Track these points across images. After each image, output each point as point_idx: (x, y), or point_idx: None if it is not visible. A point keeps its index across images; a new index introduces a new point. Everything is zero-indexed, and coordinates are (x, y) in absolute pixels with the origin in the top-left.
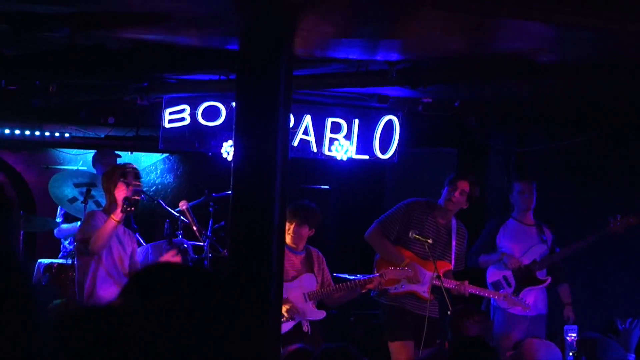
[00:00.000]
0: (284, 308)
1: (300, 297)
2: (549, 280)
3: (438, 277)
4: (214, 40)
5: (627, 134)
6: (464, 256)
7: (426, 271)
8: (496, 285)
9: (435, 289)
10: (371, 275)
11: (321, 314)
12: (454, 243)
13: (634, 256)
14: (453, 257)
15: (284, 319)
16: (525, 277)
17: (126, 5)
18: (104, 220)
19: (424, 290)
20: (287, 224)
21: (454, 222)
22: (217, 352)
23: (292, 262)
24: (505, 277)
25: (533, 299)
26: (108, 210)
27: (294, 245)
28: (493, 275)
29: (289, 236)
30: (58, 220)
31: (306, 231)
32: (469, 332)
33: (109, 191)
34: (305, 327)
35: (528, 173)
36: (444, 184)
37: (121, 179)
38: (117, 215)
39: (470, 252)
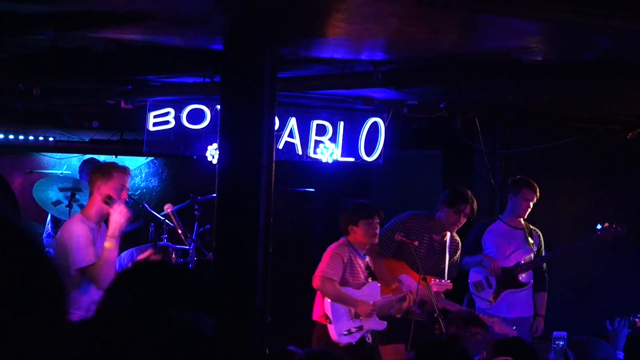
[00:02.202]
0: (360, 313)
1: (371, 305)
2: (530, 283)
3: (424, 279)
4: (198, 40)
5: (612, 136)
6: (456, 265)
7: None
8: (477, 286)
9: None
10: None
11: (382, 325)
12: (446, 257)
13: (623, 258)
14: (446, 269)
15: (353, 329)
16: (506, 280)
17: (110, 5)
18: (87, 230)
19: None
20: (352, 228)
21: (448, 235)
22: (198, 352)
23: (358, 265)
24: (487, 278)
25: (513, 302)
26: (89, 215)
27: (364, 242)
28: (475, 276)
29: (358, 238)
30: (47, 227)
31: (377, 226)
32: (464, 344)
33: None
34: (369, 339)
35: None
36: (444, 201)
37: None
38: (114, 241)
39: None
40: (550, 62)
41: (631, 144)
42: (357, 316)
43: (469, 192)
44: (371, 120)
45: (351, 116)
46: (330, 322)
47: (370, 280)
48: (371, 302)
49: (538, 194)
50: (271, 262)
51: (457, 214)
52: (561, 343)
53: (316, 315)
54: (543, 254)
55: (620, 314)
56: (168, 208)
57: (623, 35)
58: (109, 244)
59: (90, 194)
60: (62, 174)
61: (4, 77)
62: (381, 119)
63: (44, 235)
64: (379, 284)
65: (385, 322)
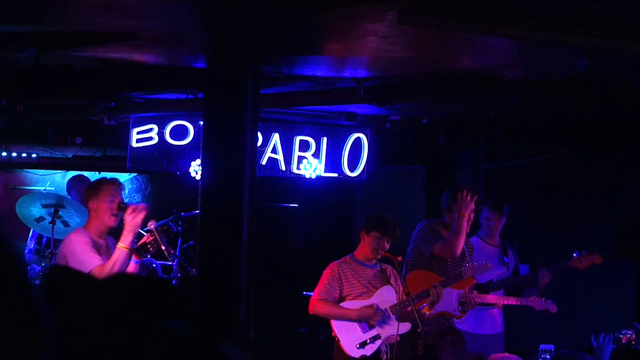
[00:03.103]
0: (364, 320)
1: (381, 310)
2: (501, 303)
3: (407, 294)
4: (182, 58)
5: (595, 151)
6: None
7: (451, 289)
8: None
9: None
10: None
11: (406, 327)
12: (467, 256)
13: (608, 272)
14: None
15: (368, 340)
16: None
17: (93, 25)
18: (86, 238)
19: (454, 309)
20: (363, 236)
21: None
22: None
23: (365, 275)
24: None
25: (482, 318)
26: (88, 229)
27: (367, 259)
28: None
29: (363, 249)
30: (30, 243)
31: (385, 244)
32: (441, 354)
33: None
34: (384, 355)
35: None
36: (447, 207)
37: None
38: (128, 242)
39: None
40: (530, 79)
41: (614, 158)
42: (370, 326)
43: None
44: (354, 135)
45: (334, 132)
46: (339, 340)
47: (385, 286)
48: (375, 307)
49: (501, 215)
50: (254, 278)
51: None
52: (548, 357)
53: (333, 332)
54: (519, 272)
55: (605, 328)
56: (151, 224)
57: (602, 53)
58: (123, 244)
59: (88, 212)
60: (45, 190)
61: None
62: (364, 134)
63: (26, 251)
64: (393, 288)
65: (409, 324)
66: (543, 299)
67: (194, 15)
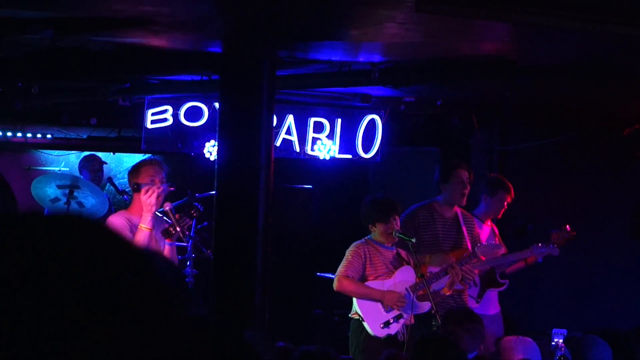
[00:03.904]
0: (390, 304)
1: (403, 291)
2: (507, 283)
3: (421, 275)
4: (198, 43)
5: (608, 132)
6: (478, 240)
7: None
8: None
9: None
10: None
11: (426, 306)
12: (464, 229)
13: (620, 254)
14: (468, 243)
15: (391, 320)
16: (488, 279)
17: (110, 10)
18: (122, 221)
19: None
20: (372, 228)
21: (458, 211)
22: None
23: (385, 257)
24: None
25: (492, 299)
26: (132, 212)
27: (384, 240)
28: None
29: (378, 235)
30: None
31: (396, 225)
32: (462, 341)
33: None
34: (401, 336)
35: (508, 174)
36: (441, 179)
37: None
38: (147, 222)
39: None
40: (544, 64)
41: (627, 140)
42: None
43: (458, 159)
44: (368, 117)
45: (348, 113)
46: (363, 320)
47: (404, 266)
48: (399, 290)
49: (513, 194)
50: (270, 261)
51: (460, 183)
52: (560, 340)
53: (351, 313)
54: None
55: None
56: (166, 205)
57: (617, 40)
58: (142, 224)
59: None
60: (60, 171)
61: (3, 76)
62: (378, 116)
63: None
64: (412, 268)
65: (429, 304)
66: (542, 244)
67: (212, 1)
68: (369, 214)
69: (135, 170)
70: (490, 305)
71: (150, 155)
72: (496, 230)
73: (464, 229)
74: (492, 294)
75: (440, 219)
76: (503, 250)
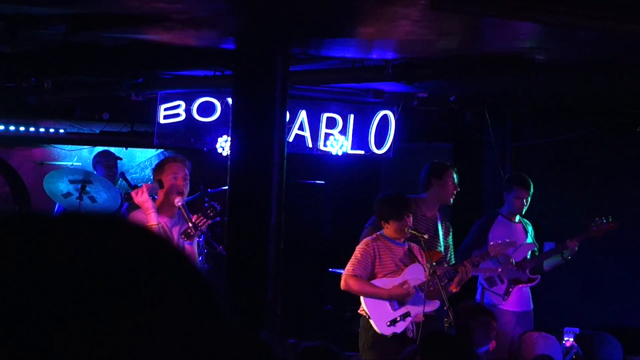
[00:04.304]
0: (397, 299)
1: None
2: (538, 279)
3: (434, 273)
4: (211, 39)
5: (622, 128)
6: (452, 248)
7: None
8: (490, 282)
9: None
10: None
11: (435, 304)
12: (440, 233)
13: (633, 251)
14: (443, 248)
15: (398, 318)
16: (515, 275)
17: (124, 7)
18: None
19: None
20: (384, 225)
21: (437, 214)
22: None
23: (397, 253)
24: (499, 275)
25: (518, 296)
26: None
27: (397, 237)
28: (487, 271)
29: (390, 232)
30: None
31: (409, 221)
32: (474, 334)
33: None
34: (410, 333)
35: (522, 170)
36: (432, 175)
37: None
38: (151, 220)
39: (461, 248)
40: (560, 62)
41: None
42: (400, 304)
43: (444, 162)
44: (381, 113)
45: (361, 109)
46: (369, 317)
47: (414, 264)
48: (406, 284)
49: (532, 189)
50: (282, 258)
51: (452, 183)
52: (571, 339)
53: (360, 309)
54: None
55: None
56: (178, 201)
57: (632, 37)
58: (148, 223)
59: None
60: (72, 165)
61: (16, 71)
62: (391, 111)
63: None
64: (421, 266)
65: (438, 302)
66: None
67: None
68: (382, 211)
69: (159, 167)
70: (520, 303)
71: (163, 150)
72: (528, 229)
73: (440, 232)
74: (523, 291)
75: (423, 217)
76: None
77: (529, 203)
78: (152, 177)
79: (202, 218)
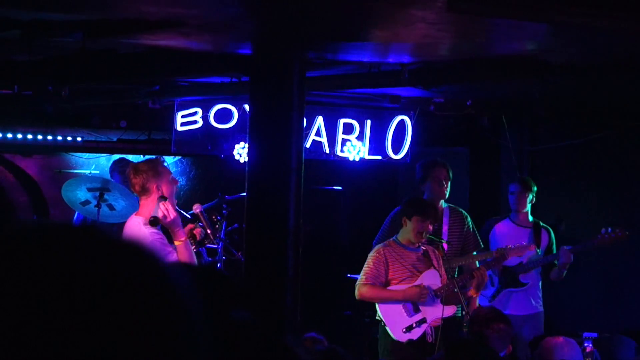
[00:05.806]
0: (413, 300)
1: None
2: (529, 283)
3: (452, 277)
4: (227, 45)
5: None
6: (471, 236)
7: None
8: None
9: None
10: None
11: (451, 310)
12: (445, 228)
13: None
14: (445, 245)
15: (414, 324)
16: (507, 279)
17: (140, 13)
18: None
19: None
20: (405, 221)
21: (445, 208)
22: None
23: (409, 259)
24: (490, 276)
25: (511, 300)
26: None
27: (411, 243)
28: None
29: (407, 234)
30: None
31: (429, 226)
32: (489, 342)
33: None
34: (430, 338)
35: (539, 174)
36: (421, 177)
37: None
38: (181, 236)
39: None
40: (577, 63)
41: None
42: (416, 310)
43: (434, 159)
44: (398, 118)
45: (378, 114)
46: (385, 325)
47: (429, 270)
48: (422, 286)
49: (525, 186)
50: (301, 264)
51: (437, 182)
52: (590, 345)
53: (377, 315)
54: (554, 252)
55: None
56: (197, 208)
57: None
58: (177, 241)
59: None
60: (90, 173)
61: (33, 79)
62: (408, 116)
63: None
64: (437, 271)
65: (454, 307)
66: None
67: (242, 2)
68: (410, 205)
69: (154, 173)
70: (509, 306)
71: (180, 157)
72: (545, 235)
73: (444, 227)
74: (514, 295)
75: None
76: (532, 248)
77: (528, 201)
78: (146, 186)
79: (198, 228)
